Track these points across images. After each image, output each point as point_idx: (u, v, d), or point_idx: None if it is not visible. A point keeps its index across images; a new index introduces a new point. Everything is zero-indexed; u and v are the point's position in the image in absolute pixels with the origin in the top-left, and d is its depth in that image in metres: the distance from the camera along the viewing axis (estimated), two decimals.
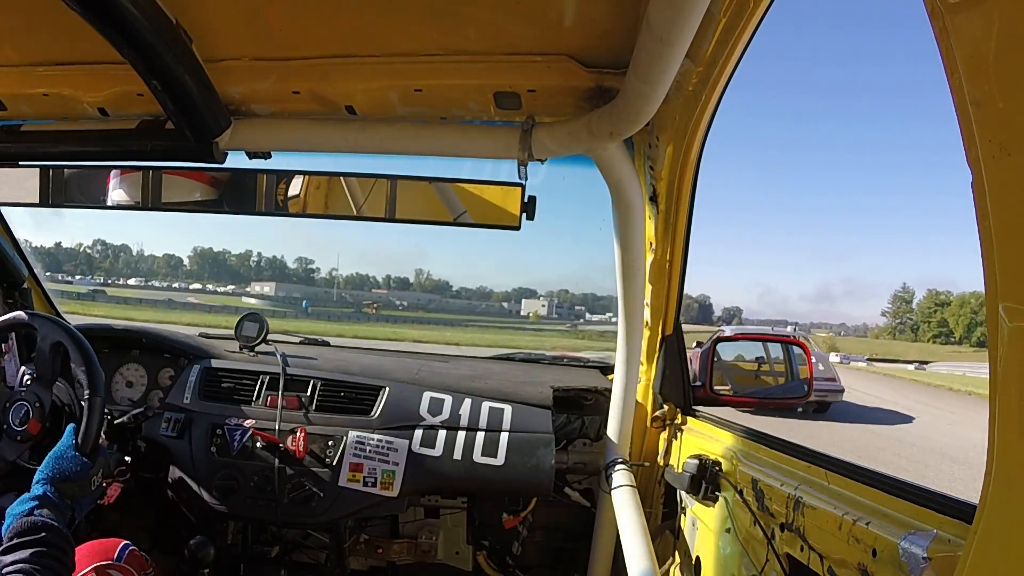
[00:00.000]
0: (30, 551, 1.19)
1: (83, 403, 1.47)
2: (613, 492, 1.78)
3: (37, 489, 1.33)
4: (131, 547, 1.62)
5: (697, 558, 1.69)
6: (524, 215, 1.54)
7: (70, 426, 1.46)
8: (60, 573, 1.22)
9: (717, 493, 1.55)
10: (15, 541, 1.21)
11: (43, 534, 1.23)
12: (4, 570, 1.15)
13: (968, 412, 16.13)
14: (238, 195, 1.69)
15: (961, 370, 33.36)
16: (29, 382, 1.58)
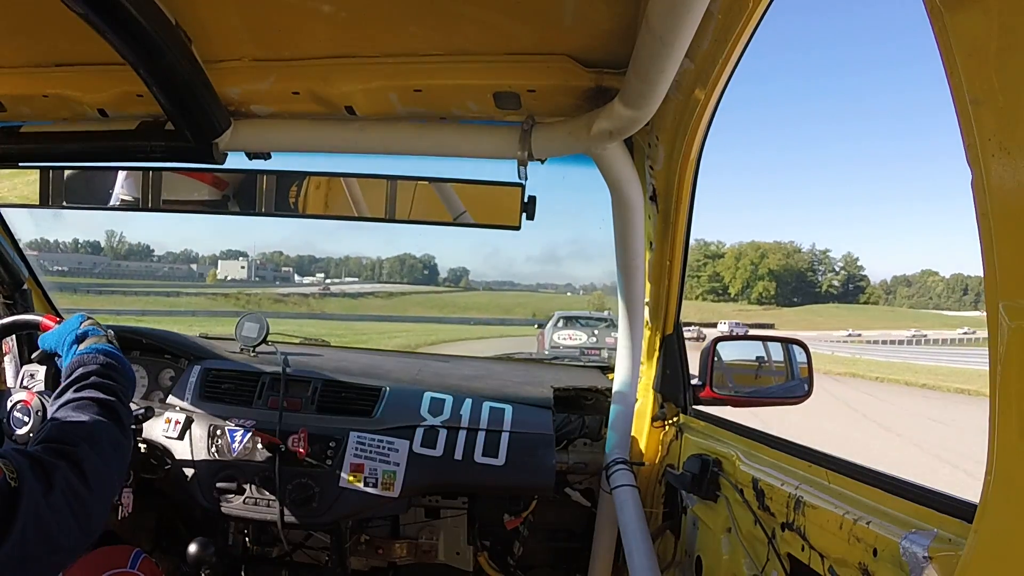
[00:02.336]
0: (75, 387, 1.21)
1: None
2: (614, 492, 1.78)
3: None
4: (143, 555, 1.62)
5: (698, 558, 1.69)
6: (524, 215, 1.55)
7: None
8: (112, 389, 1.23)
9: (718, 493, 1.55)
10: (63, 384, 1.24)
11: (87, 368, 1.26)
12: (58, 412, 1.16)
13: None
14: (238, 196, 1.70)
15: None
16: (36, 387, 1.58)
